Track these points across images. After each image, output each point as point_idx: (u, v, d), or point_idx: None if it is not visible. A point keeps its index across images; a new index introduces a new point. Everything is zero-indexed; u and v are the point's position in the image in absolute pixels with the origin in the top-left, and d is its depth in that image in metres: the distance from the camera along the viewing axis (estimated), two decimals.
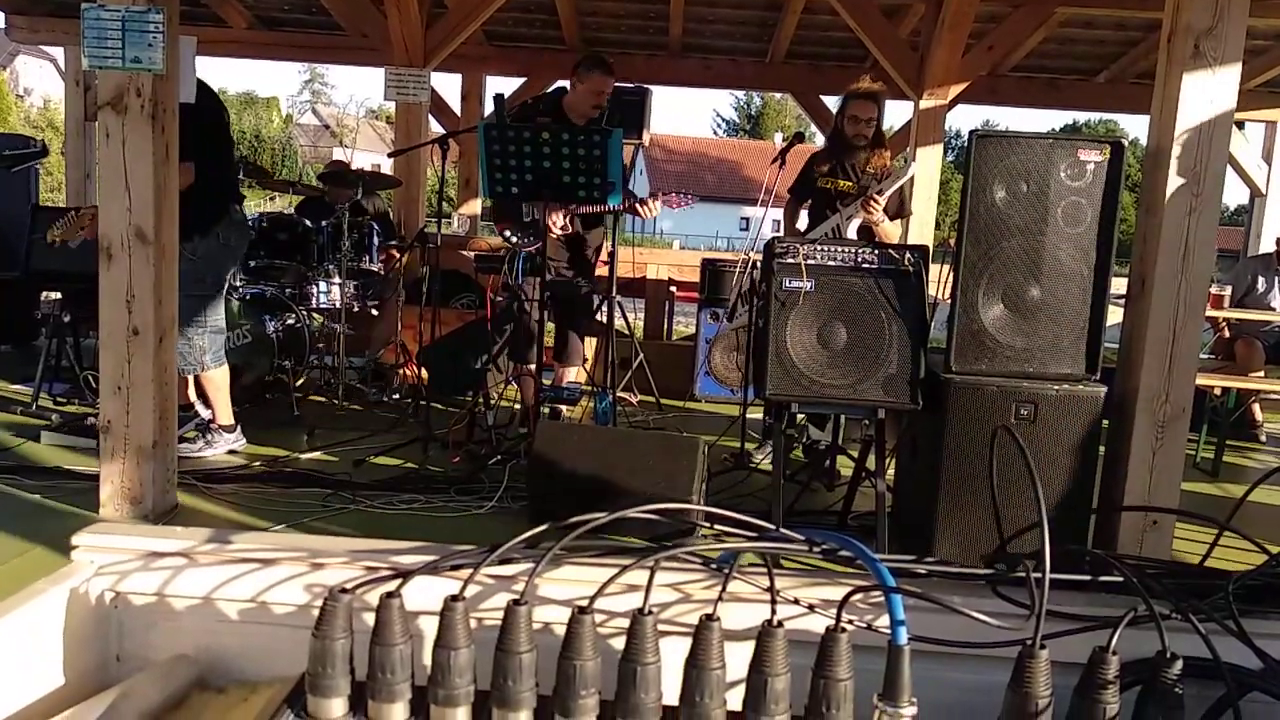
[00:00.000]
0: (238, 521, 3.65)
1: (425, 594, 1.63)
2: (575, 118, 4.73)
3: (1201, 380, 4.89)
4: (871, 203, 4.58)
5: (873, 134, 4.79)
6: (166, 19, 3.39)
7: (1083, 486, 3.29)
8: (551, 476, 3.73)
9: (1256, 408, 6.46)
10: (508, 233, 4.76)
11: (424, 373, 5.78)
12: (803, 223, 5.00)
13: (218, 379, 4.48)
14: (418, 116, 7.54)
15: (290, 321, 5.61)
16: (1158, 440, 3.27)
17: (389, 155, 7.31)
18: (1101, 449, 3.36)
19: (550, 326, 4.97)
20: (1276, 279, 6.50)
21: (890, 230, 4.78)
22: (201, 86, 4.34)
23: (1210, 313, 5.73)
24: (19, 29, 9.07)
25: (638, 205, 4.67)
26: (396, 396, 5.92)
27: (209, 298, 4.38)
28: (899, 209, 4.80)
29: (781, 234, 4.19)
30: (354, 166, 7.31)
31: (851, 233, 4.67)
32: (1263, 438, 6.43)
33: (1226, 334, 6.45)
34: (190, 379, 4.53)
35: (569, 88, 4.84)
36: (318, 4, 8.18)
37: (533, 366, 4.78)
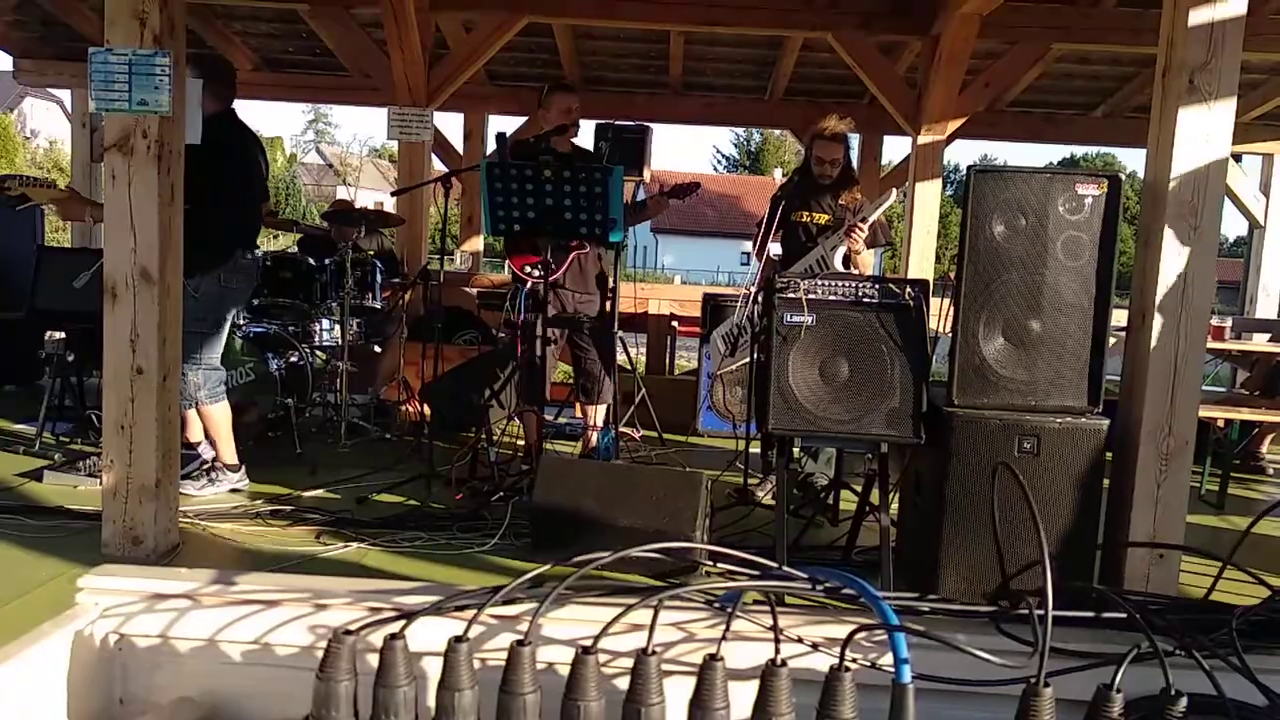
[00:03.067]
0: (240, 561, 3.64)
1: (429, 635, 1.63)
2: (559, 146, 4.83)
3: (1204, 412, 4.88)
4: (856, 229, 4.64)
5: (840, 172, 4.89)
6: (173, 61, 3.44)
7: (1087, 521, 3.28)
8: (554, 513, 3.73)
9: (1267, 440, 6.44)
10: (528, 268, 4.79)
11: (427, 410, 5.79)
12: (775, 254, 5.04)
13: (216, 416, 4.48)
14: (420, 155, 7.60)
15: (293, 359, 5.63)
16: (1161, 473, 3.26)
17: (392, 194, 7.37)
18: (1106, 482, 3.36)
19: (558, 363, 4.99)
20: None
21: (866, 260, 4.85)
22: (243, 130, 4.40)
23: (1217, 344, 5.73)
24: (26, 72, 9.17)
25: (648, 203, 4.82)
26: (400, 434, 5.92)
27: (207, 335, 4.39)
28: (873, 238, 4.84)
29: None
30: (358, 205, 7.37)
31: (838, 261, 4.71)
32: (1269, 470, 6.40)
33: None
34: (195, 422, 4.54)
35: (540, 122, 4.97)
36: (322, 46, 8.29)
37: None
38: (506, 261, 4.93)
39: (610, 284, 5.12)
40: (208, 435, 4.57)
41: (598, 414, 5.25)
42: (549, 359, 4.82)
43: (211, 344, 4.44)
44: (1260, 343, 6.44)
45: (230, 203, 4.39)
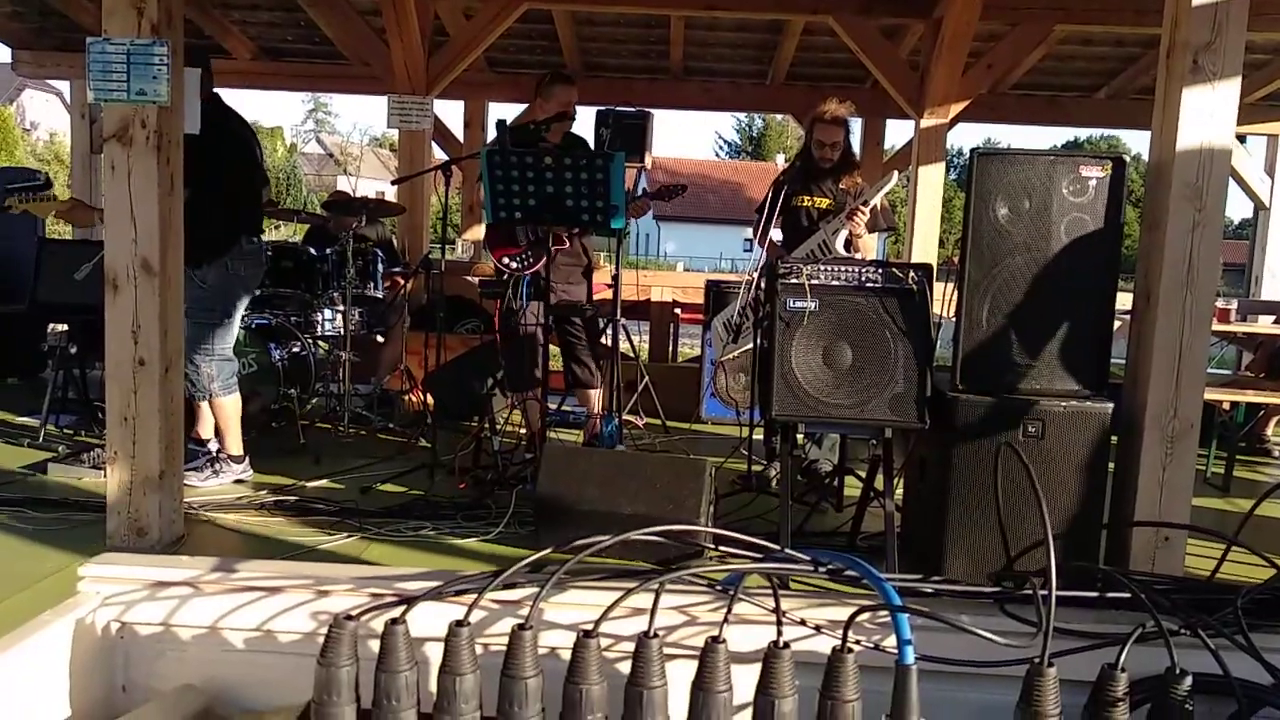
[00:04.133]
0: (245, 551, 3.64)
1: (430, 620, 1.63)
2: (551, 137, 4.81)
3: (1210, 394, 4.86)
4: (858, 213, 4.61)
5: (840, 156, 4.86)
6: (171, 51, 3.42)
7: (1093, 503, 3.28)
8: (558, 501, 3.73)
9: (1272, 422, 6.43)
10: (506, 259, 4.78)
11: (430, 399, 5.78)
12: (777, 240, 5.03)
13: (228, 408, 4.49)
14: (421, 143, 7.59)
15: (296, 349, 5.63)
16: (1167, 455, 3.25)
17: (393, 182, 7.36)
18: (1111, 465, 3.35)
19: (554, 350, 4.97)
20: None
21: (869, 244, 4.82)
22: (230, 115, 4.38)
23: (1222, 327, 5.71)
24: (25, 64, 9.17)
25: (630, 205, 4.80)
26: (403, 423, 5.92)
27: (218, 326, 4.40)
28: (875, 222, 4.82)
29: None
30: (358, 194, 7.35)
31: (839, 245, 4.69)
32: (1275, 452, 6.39)
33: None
34: (208, 417, 4.54)
35: (536, 110, 4.94)
36: (321, 34, 8.26)
37: (537, 391, 4.78)
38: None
39: (606, 275, 5.11)
40: (216, 428, 4.57)
41: (595, 400, 5.25)
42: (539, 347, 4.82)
43: (224, 334, 4.44)
44: (1265, 325, 6.41)
45: (229, 189, 4.38)
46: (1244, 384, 5.80)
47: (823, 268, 3.36)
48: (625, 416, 5.45)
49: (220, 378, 4.42)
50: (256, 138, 4.76)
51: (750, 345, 5.03)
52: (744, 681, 1.45)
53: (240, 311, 4.58)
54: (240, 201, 4.54)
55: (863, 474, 4.09)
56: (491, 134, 8.35)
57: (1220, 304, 5.70)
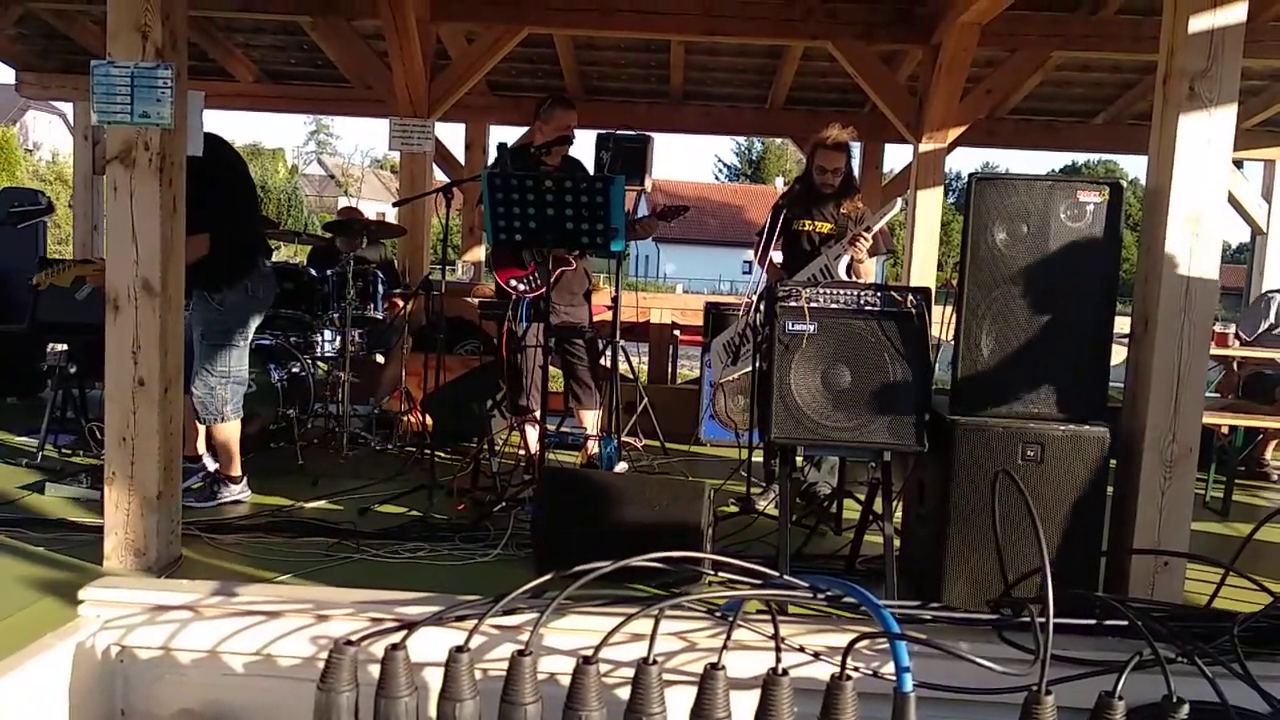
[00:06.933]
0: (242, 573, 3.62)
1: (431, 645, 1.63)
2: (552, 160, 4.85)
3: (1208, 419, 4.86)
4: (860, 239, 4.63)
5: (841, 181, 4.88)
6: (175, 74, 3.44)
7: (1092, 528, 3.27)
8: (557, 523, 3.72)
9: (1271, 446, 6.42)
10: (514, 281, 4.80)
11: (428, 420, 5.78)
12: (777, 263, 5.05)
13: (231, 430, 4.49)
14: (422, 166, 7.62)
15: (295, 370, 5.63)
16: (1166, 480, 3.25)
17: (394, 204, 7.38)
18: (1110, 489, 3.34)
19: (554, 371, 4.99)
20: None
21: (869, 268, 4.84)
22: (219, 143, 4.40)
23: (1221, 351, 5.72)
24: (29, 85, 9.22)
25: (636, 226, 4.81)
26: (401, 444, 5.92)
27: (235, 348, 4.41)
28: (874, 246, 4.83)
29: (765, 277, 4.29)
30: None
31: (841, 270, 4.71)
32: (1273, 476, 6.38)
33: (1236, 370, 6.38)
34: (200, 432, 4.54)
35: (535, 133, 4.97)
36: (323, 57, 8.31)
37: (536, 412, 4.78)
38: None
39: (606, 296, 5.14)
40: (212, 447, 4.57)
41: (592, 421, 5.26)
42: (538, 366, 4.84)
43: (240, 357, 4.45)
44: (1237, 349, 6.38)
45: (231, 215, 4.39)
46: (1242, 408, 5.80)
47: (822, 291, 3.38)
48: (624, 438, 5.44)
49: (233, 401, 4.43)
50: (242, 159, 4.80)
51: (749, 367, 5.04)
52: (743, 708, 1.45)
53: (252, 331, 4.59)
54: (251, 225, 4.57)
55: (862, 497, 4.09)
56: (492, 156, 8.40)
57: (1218, 328, 5.71)
